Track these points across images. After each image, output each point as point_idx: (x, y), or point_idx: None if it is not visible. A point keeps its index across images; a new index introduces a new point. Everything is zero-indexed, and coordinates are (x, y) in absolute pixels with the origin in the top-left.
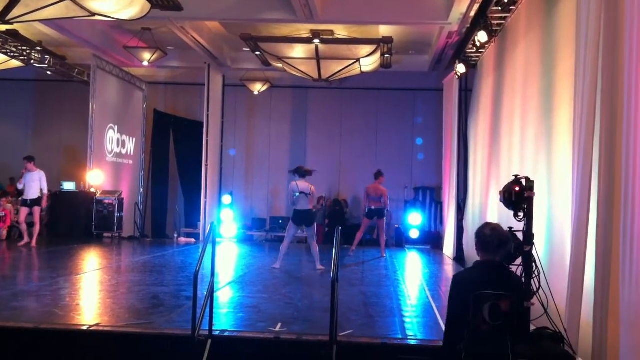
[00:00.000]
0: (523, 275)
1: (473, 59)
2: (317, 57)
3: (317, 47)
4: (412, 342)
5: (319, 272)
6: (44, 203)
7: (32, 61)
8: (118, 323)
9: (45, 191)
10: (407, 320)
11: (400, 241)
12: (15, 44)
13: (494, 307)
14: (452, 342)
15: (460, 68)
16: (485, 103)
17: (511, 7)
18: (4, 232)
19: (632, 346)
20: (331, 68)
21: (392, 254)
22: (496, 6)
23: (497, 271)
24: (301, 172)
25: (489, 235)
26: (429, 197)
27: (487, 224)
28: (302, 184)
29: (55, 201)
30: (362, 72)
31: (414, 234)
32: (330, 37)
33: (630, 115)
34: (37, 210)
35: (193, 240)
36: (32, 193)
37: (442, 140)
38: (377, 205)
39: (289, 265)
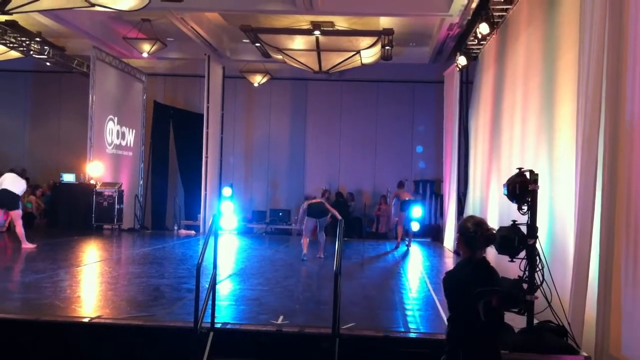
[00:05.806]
0: (526, 269)
1: (474, 51)
2: (318, 48)
3: (317, 38)
4: (414, 335)
5: (320, 259)
6: None
7: (32, 52)
8: (119, 315)
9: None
10: (408, 313)
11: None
12: (15, 35)
13: (487, 304)
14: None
15: (461, 60)
16: (486, 95)
17: None
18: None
19: (634, 340)
20: (331, 60)
21: (392, 247)
22: None
23: (486, 269)
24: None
25: (472, 231)
26: (429, 189)
27: (471, 217)
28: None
29: (55, 193)
30: (362, 64)
31: (414, 226)
32: (331, 28)
33: (634, 107)
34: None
35: (193, 232)
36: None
37: (442, 132)
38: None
39: (289, 258)
